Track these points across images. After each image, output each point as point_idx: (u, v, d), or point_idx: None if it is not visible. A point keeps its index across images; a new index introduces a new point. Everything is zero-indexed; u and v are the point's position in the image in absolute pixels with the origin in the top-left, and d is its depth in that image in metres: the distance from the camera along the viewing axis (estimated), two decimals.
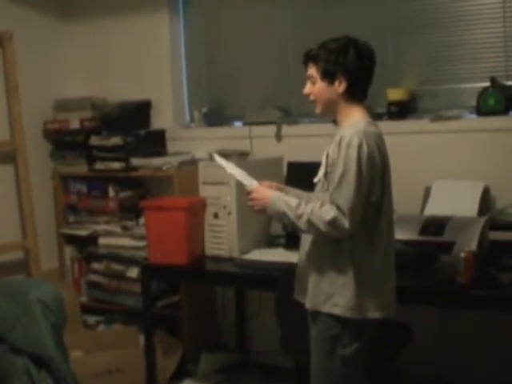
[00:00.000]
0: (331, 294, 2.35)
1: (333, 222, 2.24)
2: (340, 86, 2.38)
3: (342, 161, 2.27)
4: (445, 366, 3.37)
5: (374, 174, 2.30)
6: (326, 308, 2.36)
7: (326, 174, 2.38)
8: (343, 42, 2.39)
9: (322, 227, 2.27)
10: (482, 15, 3.40)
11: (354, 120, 2.38)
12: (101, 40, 4.38)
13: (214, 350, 3.94)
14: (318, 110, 2.48)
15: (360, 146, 2.25)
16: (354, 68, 2.36)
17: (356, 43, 2.39)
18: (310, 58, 2.45)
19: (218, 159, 2.69)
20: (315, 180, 2.48)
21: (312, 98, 2.47)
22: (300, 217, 2.32)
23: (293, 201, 2.38)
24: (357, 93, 2.41)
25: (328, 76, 2.39)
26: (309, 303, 2.42)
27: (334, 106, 2.43)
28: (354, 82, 2.38)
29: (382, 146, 2.36)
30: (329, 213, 2.25)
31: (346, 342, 2.36)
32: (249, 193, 2.53)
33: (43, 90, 4.30)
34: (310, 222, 2.29)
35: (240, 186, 3.26)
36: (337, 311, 2.34)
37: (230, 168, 2.63)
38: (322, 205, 2.29)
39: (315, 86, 2.44)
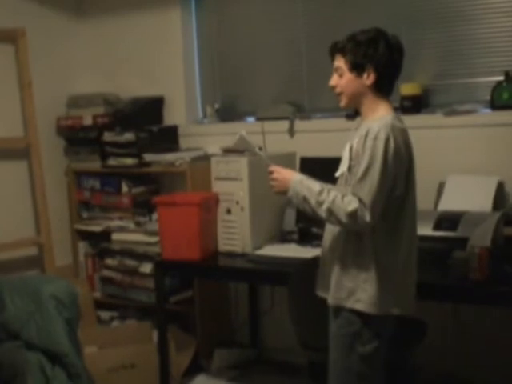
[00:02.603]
0: (354, 290, 2.33)
1: (354, 214, 2.21)
2: (369, 79, 2.35)
3: (367, 153, 2.23)
4: (459, 363, 3.35)
5: (399, 170, 2.27)
6: (349, 304, 2.34)
7: (349, 168, 2.35)
8: (373, 33, 2.36)
9: (343, 218, 2.23)
10: (497, 9, 3.36)
11: (381, 114, 2.35)
12: (114, 36, 4.38)
13: (227, 346, 3.95)
14: (343, 102, 2.43)
15: (387, 140, 2.22)
16: (383, 61, 2.33)
17: (386, 36, 2.36)
18: (337, 49, 2.41)
19: (246, 136, 2.71)
20: (337, 174, 2.44)
21: (338, 90, 2.42)
22: (321, 204, 2.27)
23: (315, 186, 2.33)
24: (384, 86, 2.38)
25: (357, 68, 2.35)
26: (331, 299, 2.40)
27: (359, 99, 2.39)
28: (383, 74, 2.35)
29: (408, 142, 2.33)
30: (350, 204, 2.21)
31: (365, 339, 2.34)
32: (271, 172, 2.49)
33: (56, 86, 4.31)
34: (330, 211, 2.25)
35: (252, 181, 3.27)
36: (359, 307, 2.32)
37: (257, 147, 2.67)
38: (344, 196, 2.25)
39: (342, 78, 2.39)
